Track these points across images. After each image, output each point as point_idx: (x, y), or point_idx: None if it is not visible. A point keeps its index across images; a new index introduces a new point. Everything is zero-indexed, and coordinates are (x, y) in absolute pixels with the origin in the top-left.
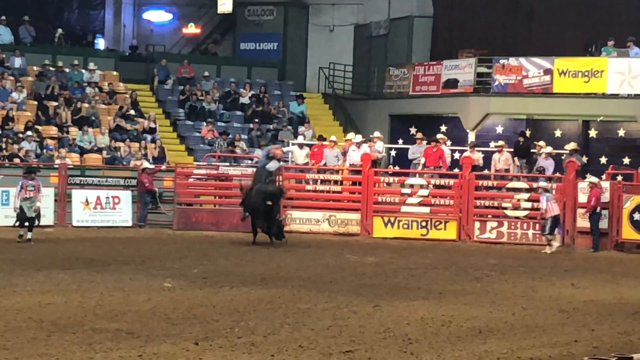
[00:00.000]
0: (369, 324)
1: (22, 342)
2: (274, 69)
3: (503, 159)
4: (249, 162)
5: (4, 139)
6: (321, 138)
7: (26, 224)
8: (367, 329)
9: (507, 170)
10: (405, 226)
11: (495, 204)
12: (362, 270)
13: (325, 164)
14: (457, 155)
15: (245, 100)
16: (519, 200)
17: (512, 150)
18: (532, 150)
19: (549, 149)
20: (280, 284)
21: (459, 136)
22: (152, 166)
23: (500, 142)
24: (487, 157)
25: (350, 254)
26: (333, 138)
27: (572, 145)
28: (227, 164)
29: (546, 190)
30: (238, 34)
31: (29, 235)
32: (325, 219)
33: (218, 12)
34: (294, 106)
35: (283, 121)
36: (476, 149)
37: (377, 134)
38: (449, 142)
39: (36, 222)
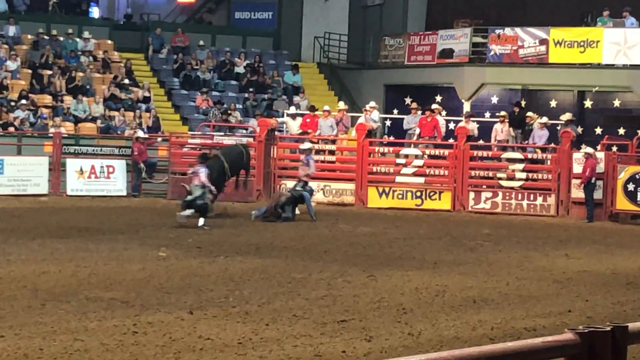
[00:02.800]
0: (363, 293)
1: (17, 310)
2: (269, 38)
3: (505, 130)
4: (244, 131)
5: None
6: (313, 109)
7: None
8: (361, 298)
9: (507, 142)
10: (400, 196)
11: (490, 174)
12: (356, 240)
13: (319, 134)
14: (452, 126)
15: (240, 69)
16: (513, 170)
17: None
18: (527, 121)
19: (544, 119)
20: (274, 253)
21: (454, 106)
22: (146, 135)
23: (503, 113)
24: (482, 127)
25: (344, 224)
26: (326, 108)
27: (567, 116)
28: (222, 133)
29: (310, 151)
30: (233, 3)
31: (201, 221)
32: (320, 189)
33: None
34: (289, 76)
35: (278, 91)
36: (471, 119)
37: (372, 103)
38: (443, 112)
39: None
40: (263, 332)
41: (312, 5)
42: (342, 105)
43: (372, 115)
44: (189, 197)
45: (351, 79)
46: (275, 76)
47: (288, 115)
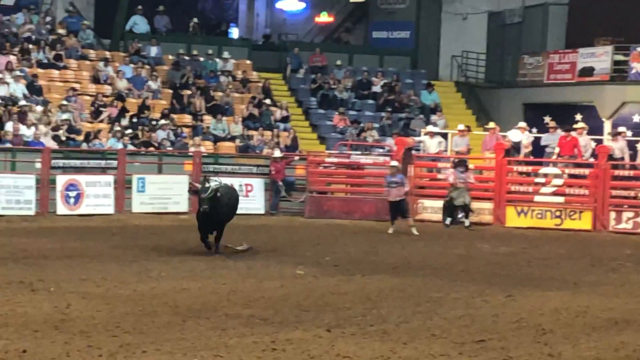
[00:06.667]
0: (502, 313)
1: (158, 326)
2: (406, 57)
3: (618, 147)
4: (381, 150)
5: (140, 127)
6: (468, 129)
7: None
8: (500, 318)
9: (622, 159)
10: (539, 216)
11: (632, 194)
12: (494, 259)
13: (457, 153)
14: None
15: (377, 89)
16: None
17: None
18: None
19: None
20: (411, 272)
21: (595, 125)
22: (281, 155)
23: (622, 129)
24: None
25: (482, 243)
26: (461, 127)
27: None
28: (359, 152)
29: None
30: (370, 23)
31: (467, 222)
32: None
33: (350, 0)
34: (425, 95)
35: (415, 110)
36: (620, 137)
37: (522, 124)
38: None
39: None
40: (401, 351)
41: (450, 24)
42: (492, 124)
43: (524, 135)
44: (461, 202)
45: (489, 97)
46: (412, 95)
47: (425, 134)
